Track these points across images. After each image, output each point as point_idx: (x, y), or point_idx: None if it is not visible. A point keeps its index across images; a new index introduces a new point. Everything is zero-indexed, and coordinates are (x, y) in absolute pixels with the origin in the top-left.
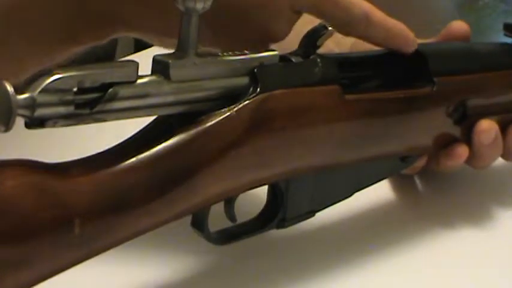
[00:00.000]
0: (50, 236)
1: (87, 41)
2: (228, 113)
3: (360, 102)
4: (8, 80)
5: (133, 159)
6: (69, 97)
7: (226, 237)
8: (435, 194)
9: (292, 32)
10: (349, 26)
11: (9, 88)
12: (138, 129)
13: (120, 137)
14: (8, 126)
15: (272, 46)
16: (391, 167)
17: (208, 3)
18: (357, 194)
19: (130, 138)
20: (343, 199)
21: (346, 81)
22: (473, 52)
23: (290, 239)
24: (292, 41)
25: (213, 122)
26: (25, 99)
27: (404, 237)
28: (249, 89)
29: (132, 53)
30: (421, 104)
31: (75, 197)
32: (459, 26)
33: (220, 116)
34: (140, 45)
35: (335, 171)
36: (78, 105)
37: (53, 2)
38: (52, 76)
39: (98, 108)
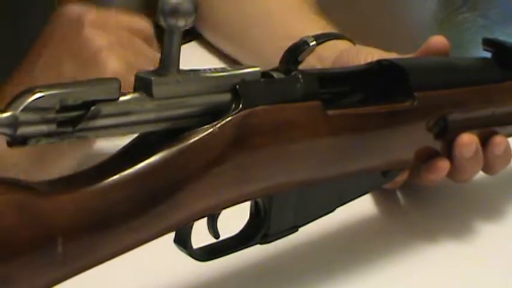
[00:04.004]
0: (33, 254)
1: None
2: (211, 130)
3: (341, 118)
4: None
5: (116, 176)
6: (52, 115)
7: (210, 253)
8: (417, 208)
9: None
10: None
11: None
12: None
13: None
14: None
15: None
16: (373, 181)
17: (191, 21)
18: (339, 209)
19: (113, 155)
20: (326, 214)
21: (327, 97)
22: (453, 67)
23: (273, 254)
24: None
25: (195, 138)
26: (7, 117)
27: (387, 252)
28: (231, 105)
29: None
30: (402, 118)
31: (57, 215)
32: (439, 40)
33: (203, 133)
34: None
35: (318, 186)
36: (60, 123)
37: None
38: (34, 94)
39: (80, 126)
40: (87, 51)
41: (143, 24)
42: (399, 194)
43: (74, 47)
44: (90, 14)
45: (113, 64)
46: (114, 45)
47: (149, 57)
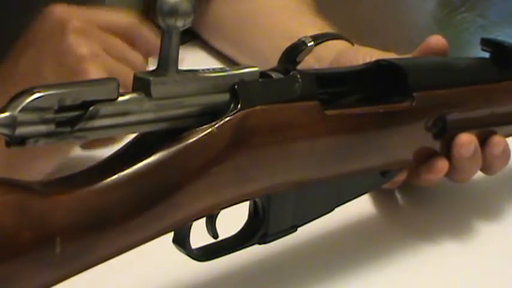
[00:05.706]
0: (31, 254)
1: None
2: (209, 130)
3: (339, 118)
4: None
5: (115, 176)
6: (50, 115)
7: (208, 253)
8: (416, 208)
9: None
10: None
11: None
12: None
13: None
14: None
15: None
16: (372, 181)
17: (189, 21)
18: (338, 209)
19: (111, 155)
20: (325, 214)
21: (326, 97)
22: (452, 67)
23: (272, 254)
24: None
25: (194, 138)
26: (5, 117)
27: (385, 251)
28: (230, 105)
29: None
30: (400, 118)
31: (56, 215)
32: (437, 40)
33: (201, 133)
34: None
35: (316, 187)
36: (59, 124)
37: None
38: (33, 94)
39: (79, 126)
40: (69, 60)
41: (129, 20)
42: (398, 194)
43: (56, 54)
44: (75, 19)
45: (94, 75)
46: (96, 53)
47: (132, 62)
